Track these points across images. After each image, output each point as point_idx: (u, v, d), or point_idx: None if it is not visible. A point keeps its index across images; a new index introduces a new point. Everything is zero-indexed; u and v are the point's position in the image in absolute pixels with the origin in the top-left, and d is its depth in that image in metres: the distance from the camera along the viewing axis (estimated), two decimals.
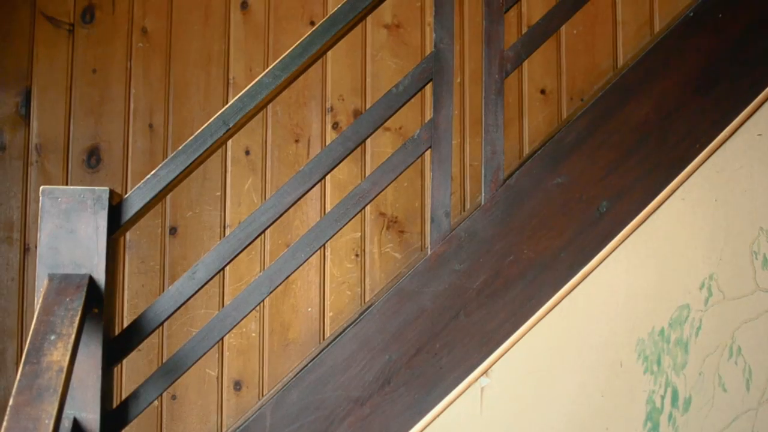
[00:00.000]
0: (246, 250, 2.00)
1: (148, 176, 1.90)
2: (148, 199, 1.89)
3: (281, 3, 3.08)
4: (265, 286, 1.97)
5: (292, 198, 1.99)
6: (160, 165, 1.91)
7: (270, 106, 3.01)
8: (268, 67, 2.14)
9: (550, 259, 2.01)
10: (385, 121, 2.05)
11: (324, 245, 2.08)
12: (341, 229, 2.02)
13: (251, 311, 1.98)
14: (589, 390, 2.01)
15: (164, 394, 2.33)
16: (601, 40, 3.07)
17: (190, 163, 1.92)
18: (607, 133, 2.05)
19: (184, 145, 1.92)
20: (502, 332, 1.98)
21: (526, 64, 3.04)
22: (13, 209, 2.95)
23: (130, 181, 2.98)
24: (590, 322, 2.02)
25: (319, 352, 2.04)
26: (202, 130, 1.93)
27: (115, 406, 1.89)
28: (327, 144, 2.89)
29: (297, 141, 3.07)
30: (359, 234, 3.04)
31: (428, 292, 1.98)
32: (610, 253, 2.03)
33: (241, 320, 1.97)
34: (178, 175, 1.91)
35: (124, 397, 1.95)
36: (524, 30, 3.09)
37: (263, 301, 2.01)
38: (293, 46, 1.98)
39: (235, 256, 1.97)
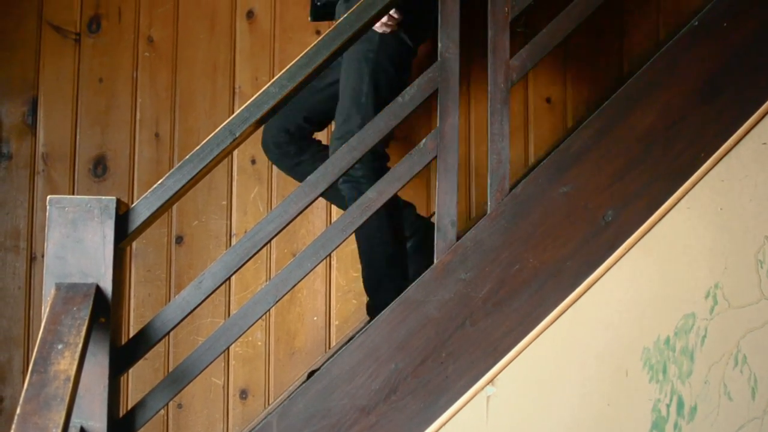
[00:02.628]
0: (252, 259, 2.00)
1: (155, 186, 1.90)
2: (154, 208, 1.90)
3: (287, 12, 3.08)
4: (271, 295, 1.97)
5: (298, 207, 1.99)
6: (166, 175, 1.92)
7: None
8: (274, 76, 2.15)
9: (556, 267, 2.01)
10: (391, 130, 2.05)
11: (330, 254, 2.08)
12: (347, 238, 2.03)
13: (257, 320, 1.98)
14: (594, 398, 2.01)
15: (170, 402, 2.33)
16: (606, 49, 3.07)
17: (197, 173, 1.92)
18: (612, 142, 2.05)
19: (190, 154, 1.93)
20: (508, 341, 1.98)
21: (531, 73, 3.04)
22: (20, 218, 2.96)
23: (136, 190, 2.98)
24: (595, 331, 2.02)
25: (325, 361, 2.05)
26: (209, 139, 1.93)
27: (121, 415, 1.90)
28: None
29: None
30: None
31: (434, 301, 1.98)
32: (616, 261, 2.03)
33: (247, 329, 1.97)
34: (184, 185, 1.92)
35: (130, 406, 1.96)
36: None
37: (269, 310, 2.01)
38: (299, 56, 1.99)
39: (242, 266, 1.97)
